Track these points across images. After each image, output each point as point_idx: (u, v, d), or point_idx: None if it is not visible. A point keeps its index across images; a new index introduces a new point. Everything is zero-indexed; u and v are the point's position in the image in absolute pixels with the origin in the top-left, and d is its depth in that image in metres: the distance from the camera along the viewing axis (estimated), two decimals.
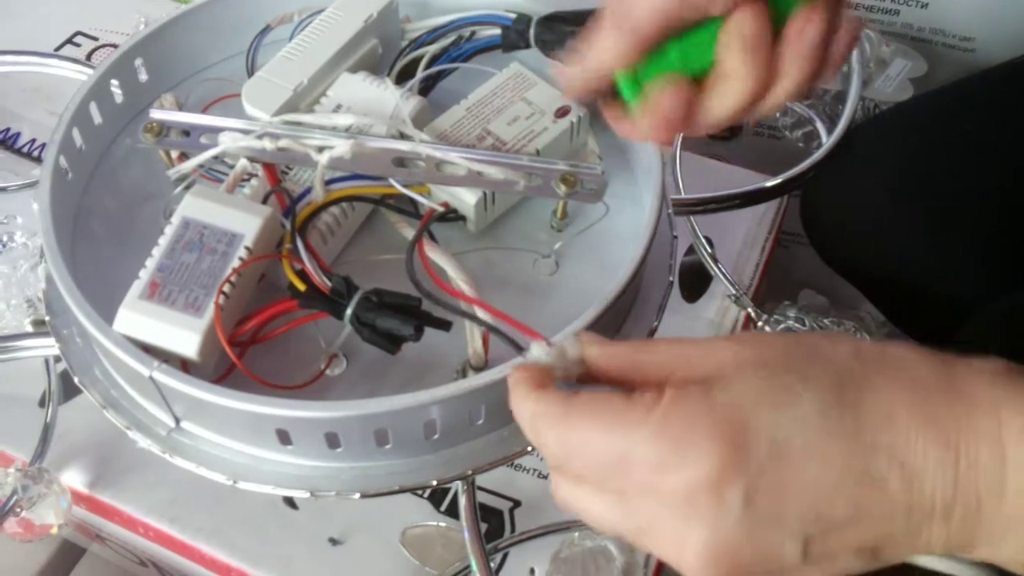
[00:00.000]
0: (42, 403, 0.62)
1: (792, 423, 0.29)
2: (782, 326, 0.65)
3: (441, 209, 0.51)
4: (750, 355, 0.31)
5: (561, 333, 0.43)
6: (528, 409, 0.33)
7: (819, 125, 0.76)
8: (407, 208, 0.52)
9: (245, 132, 0.51)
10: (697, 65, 0.37)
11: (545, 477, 0.60)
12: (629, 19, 0.36)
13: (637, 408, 0.30)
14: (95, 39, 0.86)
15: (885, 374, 0.30)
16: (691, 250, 0.70)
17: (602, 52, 0.36)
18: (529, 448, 0.47)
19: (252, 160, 0.51)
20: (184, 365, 0.45)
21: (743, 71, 0.36)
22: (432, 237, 0.50)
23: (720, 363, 0.31)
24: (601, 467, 0.31)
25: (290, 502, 0.59)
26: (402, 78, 0.57)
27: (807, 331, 0.33)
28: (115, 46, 0.82)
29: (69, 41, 0.85)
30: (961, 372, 0.30)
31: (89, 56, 0.83)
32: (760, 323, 0.65)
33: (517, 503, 0.59)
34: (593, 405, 0.31)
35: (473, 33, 0.58)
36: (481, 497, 0.59)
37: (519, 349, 0.37)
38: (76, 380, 0.49)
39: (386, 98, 0.54)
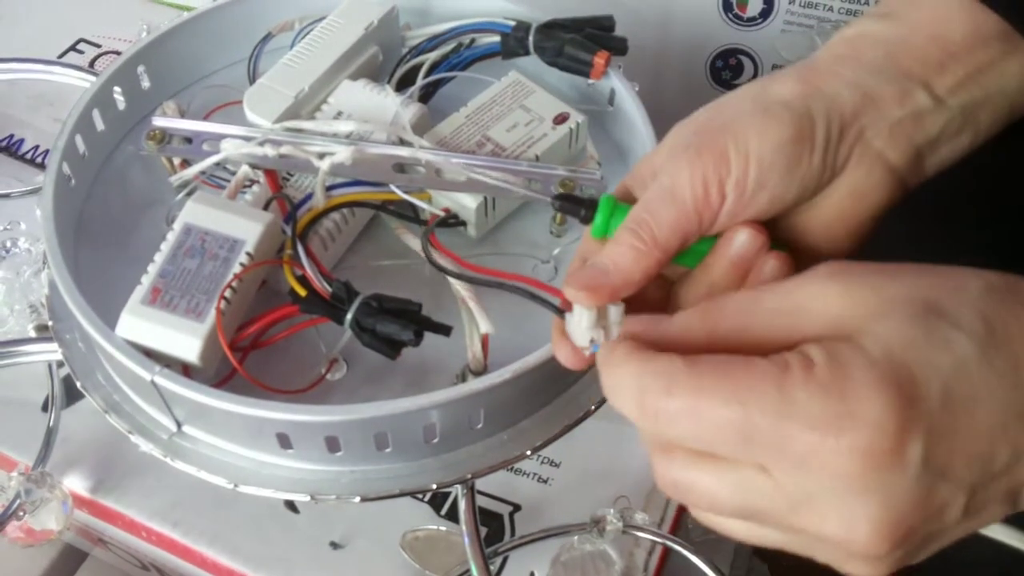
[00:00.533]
0: (45, 408, 0.62)
1: (954, 368, 0.28)
2: None
3: (443, 214, 0.51)
4: (875, 300, 0.29)
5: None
6: (633, 377, 0.30)
7: None
8: (408, 214, 0.52)
9: (247, 139, 0.51)
10: (685, 262, 0.37)
11: (545, 482, 0.61)
12: (656, 240, 0.35)
13: (791, 370, 0.28)
14: (98, 46, 0.86)
15: (1016, 308, 0.29)
16: None
17: (626, 266, 0.36)
18: (528, 452, 0.47)
19: (254, 167, 0.51)
20: (186, 370, 0.45)
21: (725, 281, 0.36)
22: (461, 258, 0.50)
23: (844, 314, 0.29)
24: (743, 438, 0.28)
25: (291, 506, 0.59)
26: (402, 85, 0.57)
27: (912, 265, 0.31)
28: (118, 53, 0.83)
29: (72, 48, 0.86)
30: None
31: (92, 63, 0.84)
32: None
33: (517, 507, 0.59)
34: (730, 368, 0.29)
35: (473, 40, 0.58)
36: (481, 501, 0.59)
37: (559, 312, 0.37)
38: (79, 385, 0.49)
39: (387, 105, 0.54)
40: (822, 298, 0.30)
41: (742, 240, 0.36)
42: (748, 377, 0.28)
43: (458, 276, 0.47)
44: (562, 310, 0.37)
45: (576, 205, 0.40)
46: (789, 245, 0.37)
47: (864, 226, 0.38)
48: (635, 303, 0.36)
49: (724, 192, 0.35)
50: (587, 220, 0.39)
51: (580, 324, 0.35)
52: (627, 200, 0.39)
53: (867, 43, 0.38)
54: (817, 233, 0.38)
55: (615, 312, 0.35)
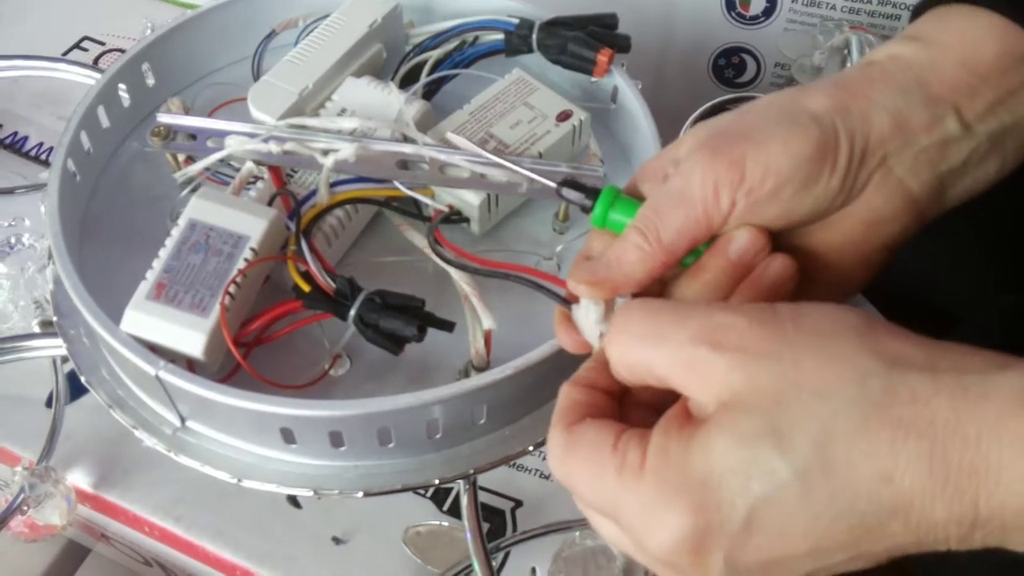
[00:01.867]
0: (49, 403, 0.63)
1: (767, 494, 0.29)
2: None
3: (447, 210, 0.51)
4: (733, 388, 0.30)
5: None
6: (548, 439, 0.34)
7: None
8: (411, 210, 0.52)
9: (251, 135, 0.52)
10: (684, 260, 0.37)
11: (546, 477, 0.61)
12: (661, 242, 0.35)
13: (624, 469, 0.31)
14: (102, 44, 0.86)
15: (887, 422, 0.28)
16: None
17: (630, 265, 0.36)
18: (530, 448, 0.48)
19: (258, 163, 0.51)
20: (190, 365, 0.46)
21: (720, 280, 0.36)
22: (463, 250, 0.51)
23: (704, 384, 0.30)
24: (600, 510, 0.32)
25: (294, 501, 0.59)
26: (406, 82, 0.57)
27: (806, 340, 0.30)
28: (122, 51, 0.83)
29: (76, 46, 0.86)
30: (989, 397, 0.28)
31: (96, 61, 0.84)
32: None
33: (519, 503, 0.60)
34: (588, 453, 0.32)
35: (476, 38, 0.58)
36: (483, 497, 0.59)
37: (565, 303, 0.38)
38: (83, 380, 0.50)
39: (390, 102, 0.54)
40: (708, 367, 0.30)
41: (743, 240, 0.35)
42: (598, 466, 0.31)
43: (463, 268, 0.47)
44: (567, 300, 0.37)
45: (580, 192, 0.40)
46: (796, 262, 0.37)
47: (877, 255, 0.37)
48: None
49: (735, 199, 0.35)
50: (588, 210, 0.39)
51: (588, 317, 0.36)
52: (634, 194, 0.39)
53: (898, 66, 0.37)
54: (826, 256, 0.37)
55: (621, 304, 0.35)
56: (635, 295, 0.36)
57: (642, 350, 0.32)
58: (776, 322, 0.30)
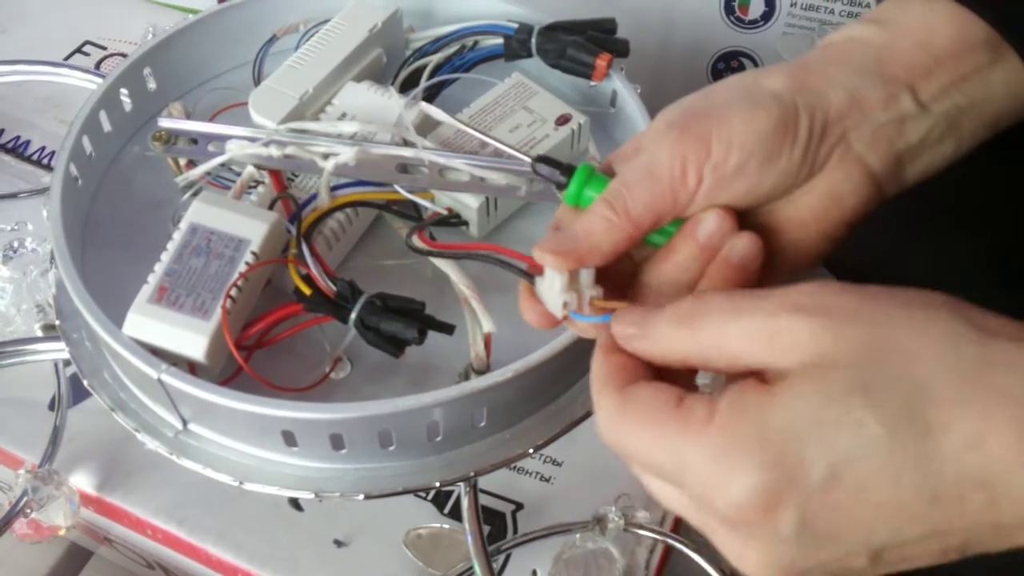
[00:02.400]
0: (52, 406, 0.63)
1: (853, 449, 0.28)
2: None
3: (444, 212, 0.52)
4: (818, 350, 0.29)
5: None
6: (596, 405, 0.33)
7: None
8: (411, 214, 0.53)
9: (252, 140, 0.52)
10: (654, 240, 0.38)
11: (547, 480, 0.61)
12: (629, 214, 0.36)
13: (689, 424, 0.30)
14: (103, 48, 0.87)
15: (977, 386, 0.28)
16: None
17: (596, 236, 0.36)
18: (531, 451, 0.48)
19: (259, 167, 0.52)
20: (192, 368, 0.46)
21: (689, 263, 0.37)
22: (434, 241, 0.51)
23: (785, 352, 0.30)
24: (660, 472, 0.31)
25: (295, 504, 0.59)
26: (406, 87, 0.58)
27: (895, 306, 0.30)
28: (124, 55, 0.84)
29: (78, 50, 0.86)
30: None
31: (98, 65, 0.85)
32: None
33: (520, 506, 0.60)
34: (645, 412, 0.31)
35: (476, 43, 0.59)
36: (484, 500, 0.59)
37: (528, 277, 0.38)
38: (86, 383, 0.50)
39: (390, 106, 0.55)
40: (791, 334, 0.30)
41: (711, 222, 0.36)
42: (660, 426, 0.31)
43: (428, 254, 0.48)
44: (530, 275, 0.38)
45: (555, 168, 0.41)
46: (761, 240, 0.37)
47: (838, 230, 0.38)
48: (602, 278, 0.37)
49: (701, 174, 0.36)
50: (563, 187, 0.40)
51: (552, 287, 0.36)
52: (609, 175, 0.39)
53: (856, 47, 0.38)
54: (789, 231, 0.38)
55: (587, 276, 0.36)
56: (600, 270, 0.37)
57: (718, 324, 0.31)
58: (866, 291, 0.30)
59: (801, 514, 0.28)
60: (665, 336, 0.32)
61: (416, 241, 0.48)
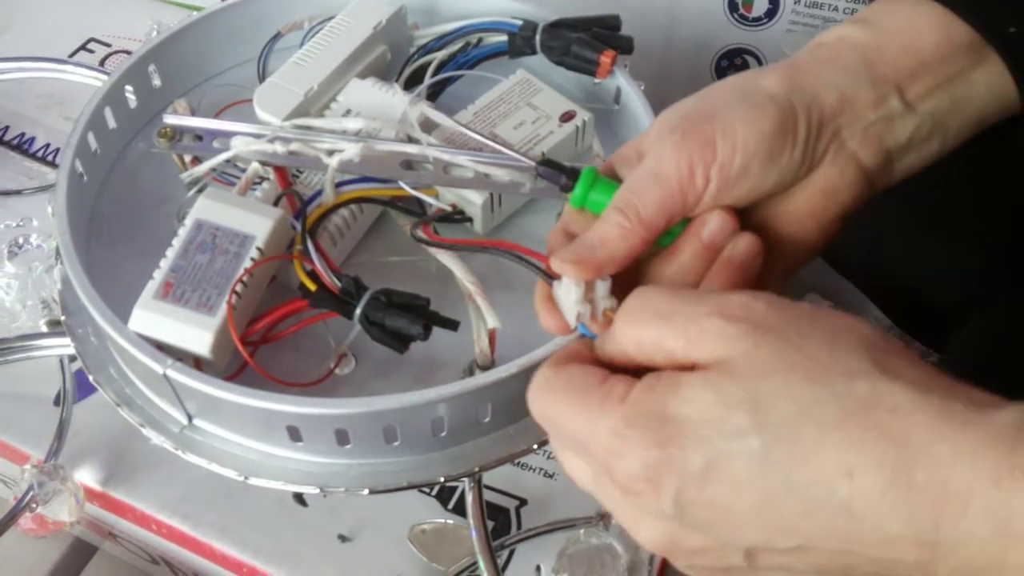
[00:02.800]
0: (57, 402, 0.63)
1: (731, 454, 0.29)
2: None
3: (449, 209, 0.52)
4: (731, 354, 0.31)
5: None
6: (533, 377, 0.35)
7: None
8: (415, 210, 0.53)
9: (257, 136, 0.52)
10: (658, 241, 0.39)
11: (551, 476, 0.61)
12: (641, 219, 0.37)
13: (608, 399, 0.32)
14: (108, 45, 0.87)
15: (861, 419, 0.29)
16: None
17: (612, 244, 0.38)
18: (535, 446, 0.48)
19: (264, 164, 0.52)
20: (197, 363, 0.46)
21: (693, 262, 0.38)
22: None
23: (707, 352, 0.31)
24: (573, 443, 0.33)
25: (300, 500, 0.60)
26: (410, 83, 0.58)
27: (813, 330, 0.31)
28: (128, 52, 0.84)
29: (83, 48, 0.87)
30: (971, 425, 0.28)
31: (102, 62, 0.85)
32: None
33: (524, 501, 0.60)
34: (572, 384, 0.33)
35: (480, 40, 0.59)
36: (488, 496, 0.60)
37: (547, 277, 0.39)
38: (91, 378, 0.50)
39: (395, 103, 0.55)
40: (713, 337, 0.31)
41: (714, 223, 0.38)
42: (582, 397, 0.33)
43: (436, 245, 0.48)
44: (549, 275, 0.39)
45: (558, 172, 0.42)
46: (760, 234, 0.39)
47: (833, 223, 0.40)
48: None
49: (708, 176, 0.37)
50: (567, 189, 0.41)
51: (569, 297, 0.37)
52: (610, 177, 0.40)
53: (846, 47, 0.39)
54: (788, 226, 0.39)
55: (602, 287, 0.37)
56: (615, 276, 0.38)
57: (656, 324, 0.33)
58: (794, 311, 0.32)
59: (678, 496, 0.30)
60: (618, 335, 0.34)
61: (420, 233, 0.49)
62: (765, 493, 0.29)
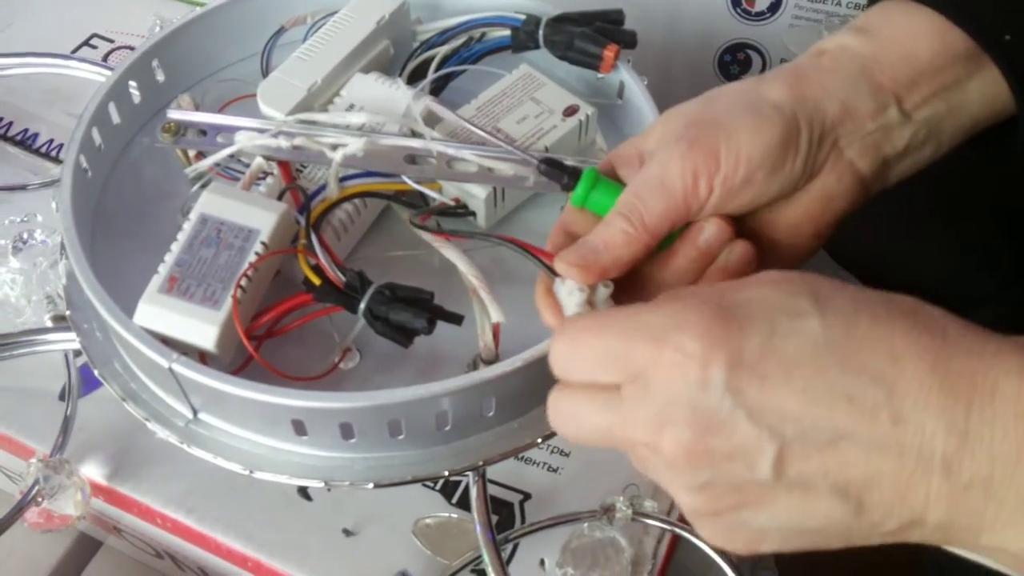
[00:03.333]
0: (62, 397, 0.63)
1: (791, 331, 0.30)
2: None
3: (451, 202, 0.52)
4: (774, 276, 0.33)
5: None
6: (554, 338, 0.35)
7: None
8: (419, 204, 0.53)
9: (261, 131, 0.52)
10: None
11: (555, 471, 0.61)
12: (646, 226, 0.38)
13: (639, 309, 0.33)
14: (111, 41, 0.87)
15: (906, 318, 0.31)
16: None
17: (617, 248, 0.38)
18: (539, 440, 0.48)
19: (268, 158, 0.52)
20: (202, 357, 0.46)
21: (689, 266, 0.39)
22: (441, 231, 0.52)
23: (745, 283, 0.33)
24: (604, 359, 0.33)
25: (304, 494, 0.60)
26: (414, 78, 0.58)
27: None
28: (131, 48, 0.84)
29: (86, 43, 0.87)
30: (991, 339, 0.31)
31: (105, 58, 0.85)
32: None
33: (527, 496, 0.60)
34: (596, 319, 0.34)
35: (483, 34, 0.59)
36: (492, 490, 0.60)
37: (550, 270, 0.39)
38: (96, 373, 0.50)
39: (398, 97, 0.55)
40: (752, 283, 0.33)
41: (711, 231, 0.39)
42: (606, 319, 0.33)
43: (439, 234, 0.49)
44: (552, 269, 0.39)
45: (560, 171, 0.42)
46: (755, 239, 0.40)
47: (829, 228, 0.41)
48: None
49: (712, 186, 0.38)
50: (568, 188, 0.42)
51: (572, 298, 0.38)
52: (609, 176, 0.41)
53: (846, 57, 0.40)
54: (784, 231, 0.40)
55: (604, 292, 0.38)
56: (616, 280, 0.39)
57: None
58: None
59: (731, 368, 0.30)
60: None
61: (418, 222, 0.49)
62: (817, 372, 0.30)
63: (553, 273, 0.39)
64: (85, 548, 0.72)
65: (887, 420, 0.29)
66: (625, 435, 0.33)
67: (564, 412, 0.35)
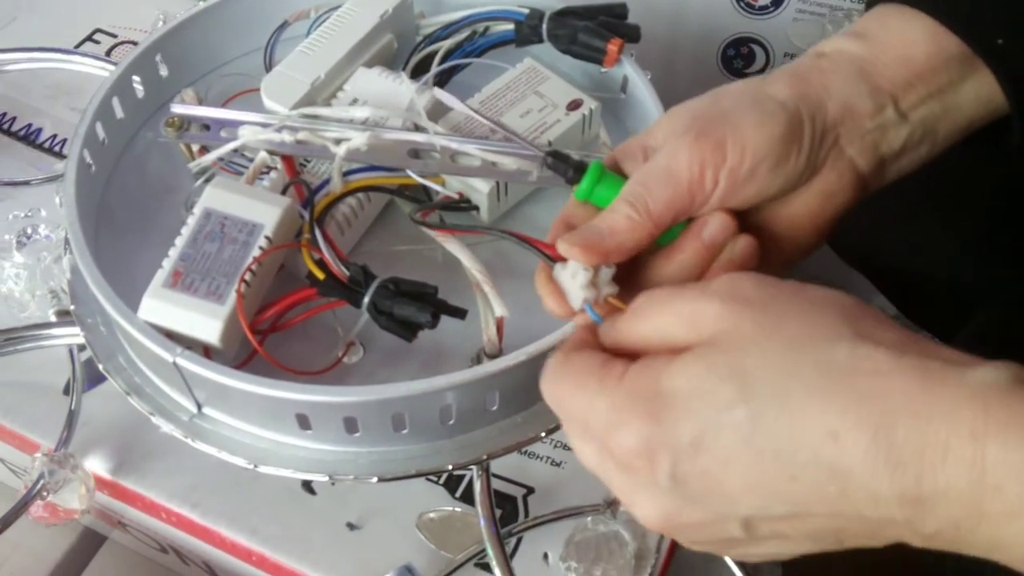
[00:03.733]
0: (66, 391, 0.63)
1: (719, 424, 0.31)
2: None
3: (455, 196, 0.52)
4: (719, 328, 0.32)
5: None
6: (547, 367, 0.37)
7: None
8: (423, 199, 0.53)
9: (264, 125, 0.52)
10: (659, 240, 0.40)
11: (558, 465, 0.61)
12: (651, 214, 0.38)
13: (607, 379, 0.34)
14: (114, 36, 0.87)
15: (843, 381, 0.30)
16: None
17: (621, 234, 0.39)
18: (542, 434, 0.48)
19: (271, 153, 0.52)
20: (206, 351, 0.46)
21: (693, 261, 0.40)
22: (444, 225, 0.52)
23: (698, 330, 0.33)
24: (575, 422, 0.35)
25: (308, 488, 0.60)
26: (417, 72, 0.58)
27: (794, 302, 0.33)
28: (134, 43, 0.84)
29: (89, 38, 0.87)
30: (948, 383, 0.29)
31: (108, 53, 0.85)
32: None
33: (531, 490, 0.60)
34: (576, 368, 0.35)
35: (487, 28, 0.59)
36: (495, 484, 0.60)
37: (552, 261, 0.40)
38: (101, 367, 0.50)
39: (401, 92, 0.55)
40: (703, 315, 0.33)
41: (715, 225, 0.39)
42: (584, 377, 0.34)
43: (439, 229, 0.49)
44: (552, 258, 0.40)
45: (565, 164, 0.43)
46: (757, 235, 0.40)
47: (828, 224, 0.41)
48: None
49: (718, 178, 0.38)
50: (573, 181, 0.42)
51: (575, 282, 0.38)
52: (614, 171, 0.41)
53: (844, 59, 0.41)
54: (785, 227, 0.41)
55: (606, 273, 0.38)
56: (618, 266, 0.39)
57: (659, 313, 0.35)
58: (777, 286, 0.34)
59: (672, 469, 0.31)
60: (625, 329, 0.36)
61: (419, 218, 0.49)
62: (755, 461, 0.30)
63: (553, 262, 0.40)
64: (89, 543, 0.72)
65: (835, 494, 0.30)
66: (611, 489, 0.35)
67: (569, 442, 0.37)
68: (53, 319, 0.61)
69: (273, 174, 0.52)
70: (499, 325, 0.48)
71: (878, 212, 0.66)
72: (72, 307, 0.52)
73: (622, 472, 0.33)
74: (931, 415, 0.28)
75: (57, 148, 0.77)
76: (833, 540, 0.32)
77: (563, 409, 0.35)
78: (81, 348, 0.63)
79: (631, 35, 0.56)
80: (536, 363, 0.45)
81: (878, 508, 0.29)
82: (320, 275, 0.47)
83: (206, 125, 0.54)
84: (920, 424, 0.28)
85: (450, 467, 0.47)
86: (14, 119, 0.80)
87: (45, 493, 0.58)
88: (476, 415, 0.47)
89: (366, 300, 0.46)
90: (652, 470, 0.32)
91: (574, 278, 0.38)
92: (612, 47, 0.55)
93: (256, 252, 0.47)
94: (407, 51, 0.59)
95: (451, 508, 0.59)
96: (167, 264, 0.47)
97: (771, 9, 0.79)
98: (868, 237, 0.66)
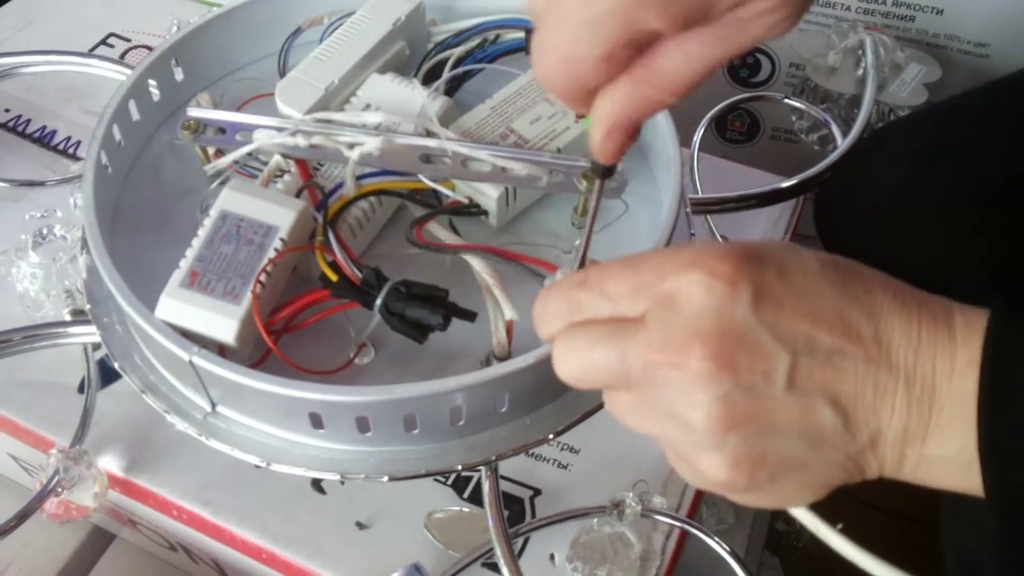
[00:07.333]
0: (81, 389, 0.64)
1: (796, 263, 0.35)
2: None
3: (466, 201, 0.53)
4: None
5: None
6: (558, 289, 0.39)
7: (834, 128, 0.77)
8: (433, 203, 0.54)
9: (279, 129, 0.53)
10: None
11: (565, 467, 0.62)
12: (663, 83, 0.37)
13: (664, 250, 0.37)
14: (128, 40, 0.88)
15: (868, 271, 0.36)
16: None
17: (627, 105, 0.38)
18: (550, 436, 0.49)
19: (285, 156, 0.53)
20: (221, 351, 0.47)
21: None
22: (455, 231, 0.52)
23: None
24: (634, 290, 0.36)
25: (318, 487, 0.61)
26: (429, 79, 0.59)
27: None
28: (148, 47, 0.85)
29: (103, 43, 0.88)
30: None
31: (122, 57, 0.86)
32: None
33: (538, 491, 0.61)
34: (608, 263, 0.37)
35: (498, 36, 0.60)
36: (503, 486, 0.60)
37: (540, 277, 0.41)
38: (116, 366, 0.51)
39: (414, 97, 0.56)
40: (708, 246, 0.36)
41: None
42: (641, 253, 0.37)
43: (437, 249, 0.50)
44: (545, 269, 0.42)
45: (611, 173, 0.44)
46: None
47: None
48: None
49: None
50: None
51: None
52: None
53: None
54: None
55: None
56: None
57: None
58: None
59: (755, 289, 0.34)
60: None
61: (412, 236, 0.50)
62: (819, 297, 0.35)
63: (540, 277, 0.41)
64: (98, 541, 0.73)
65: (870, 339, 0.34)
66: (643, 359, 0.35)
67: (575, 346, 0.37)
68: (68, 318, 0.62)
69: (287, 177, 0.53)
70: (508, 328, 0.48)
71: (877, 221, 0.66)
72: (88, 306, 0.53)
73: (686, 307, 0.34)
74: (933, 297, 0.36)
75: (71, 150, 0.78)
76: (843, 414, 0.34)
77: (614, 287, 0.36)
78: (96, 347, 0.64)
79: None
80: (545, 366, 0.45)
81: (892, 353, 0.34)
82: (333, 277, 0.48)
83: (221, 128, 0.55)
84: (925, 296, 0.35)
85: (460, 467, 0.48)
86: (28, 121, 0.81)
87: (60, 490, 0.59)
88: (485, 416, 0.48)
89: (378, 302, 0.47)
90: (734, 290, 0.34)
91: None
92: None
93: (271, 254, 0.48)
94: (419, 58, 0.60)
95: (459, 508, 0.59)
96: (184, 264, 0.47)
97: None
98: (867, 245, 0.67)
